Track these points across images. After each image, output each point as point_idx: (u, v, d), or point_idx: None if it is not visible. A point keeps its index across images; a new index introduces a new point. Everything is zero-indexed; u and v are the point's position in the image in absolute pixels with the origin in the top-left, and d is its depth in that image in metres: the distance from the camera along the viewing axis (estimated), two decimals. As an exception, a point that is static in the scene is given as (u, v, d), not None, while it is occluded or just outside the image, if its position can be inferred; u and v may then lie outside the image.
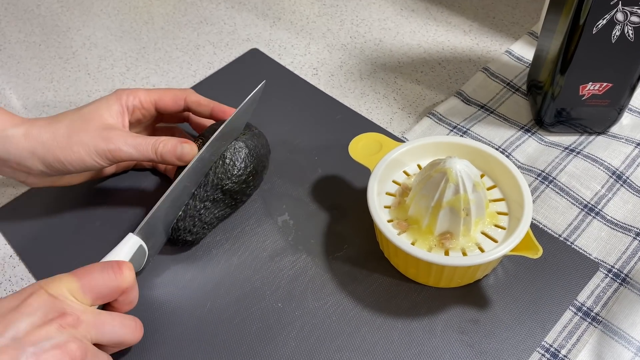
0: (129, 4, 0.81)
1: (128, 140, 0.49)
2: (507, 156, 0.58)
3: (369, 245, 0.52)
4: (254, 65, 0.70)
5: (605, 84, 0.55)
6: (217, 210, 0.51)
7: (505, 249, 0.44)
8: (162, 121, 0.58)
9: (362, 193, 0.48)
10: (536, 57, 0.62)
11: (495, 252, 0.44)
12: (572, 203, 0.54)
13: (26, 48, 0.75)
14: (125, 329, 0.41)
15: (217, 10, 0.79)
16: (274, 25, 0.76)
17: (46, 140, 0.48)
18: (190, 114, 0.57)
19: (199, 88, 0.67)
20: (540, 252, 0.43)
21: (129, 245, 0.45)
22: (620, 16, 0.49)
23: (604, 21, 0.50)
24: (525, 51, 0.69)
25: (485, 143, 0.60)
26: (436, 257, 0.44)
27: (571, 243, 0.52)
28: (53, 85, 0.70)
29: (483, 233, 0.47)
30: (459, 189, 0.44)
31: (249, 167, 0.51)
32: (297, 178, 0.57)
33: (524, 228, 0.45)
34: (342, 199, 0.55)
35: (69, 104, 0.67)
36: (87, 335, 0.39)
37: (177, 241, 0.50)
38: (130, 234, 0.45)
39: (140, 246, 0.46)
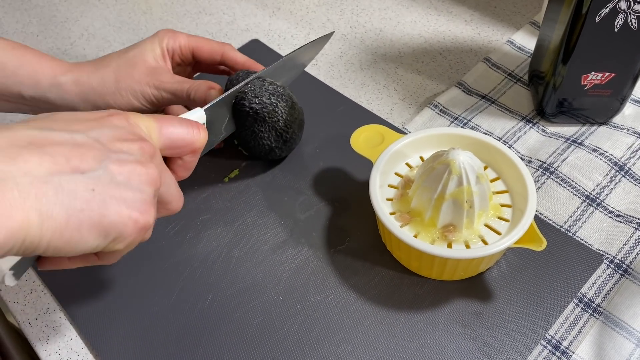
0: (127, -6, 0.80)
1: (174, 85, 0.50)
2: (508, 147, 0.58)
3: (371, 238, 0.51)
4: (253, 56, 0.69)
5: (607, 73, 0.54)
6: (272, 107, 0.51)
7: (508, 241, 0.43)
8: (200, 71, 0.59)
9: (364, 185, 0.48)
10: (538, 47, 0.61)
11: (498, 245, 0.43)
12: (573, 194, 0.54)
13: (24, 39, 0.74)
14: (175, 195, 0.40)
15: (215, 1, 0.78)
16: (273, 15, 0.75)
17: (96, 86, 0.50)
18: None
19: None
20: (544, 244, 0.43)
21: (197, 116, 0.45)
22: (623, 4, 0.49)
23: (607, 10, 0.49)
24: (527, 41, 0.69)
25: (487, 134, 0.59)
26: (439, 249, 0.44)
27: (573, 234, 0.52)
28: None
29: (486, 225, 0.47)
30: (462, 180, 0.44)
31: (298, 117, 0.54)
32: (299, 171, 0.57)
33: (527, 220, 0.44)
34: (344, 192, 0.55)
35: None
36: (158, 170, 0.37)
37: (241, 107, 0.50)
38: (199, 108, 0.46)
39: (203, 124, 0.46)
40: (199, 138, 0.41)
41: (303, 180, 0.56)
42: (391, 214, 0.48)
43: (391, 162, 0.50)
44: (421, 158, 0.52)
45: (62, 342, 0.47)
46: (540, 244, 0.43)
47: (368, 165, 0.50)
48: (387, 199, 0.49)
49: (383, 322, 0.46)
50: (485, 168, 0.51)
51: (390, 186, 0.50)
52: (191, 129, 0.40)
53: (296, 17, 0.75)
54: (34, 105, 0.51)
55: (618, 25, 0.50)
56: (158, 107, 0.52)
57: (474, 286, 0.48)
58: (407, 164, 0.52)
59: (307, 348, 0.45)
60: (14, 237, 0.28)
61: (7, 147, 0.30)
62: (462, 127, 0.60)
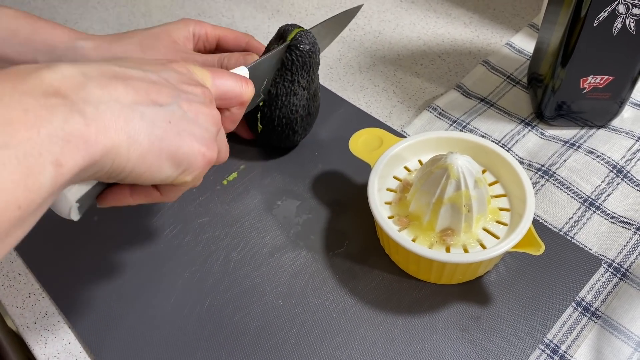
0: (126, -4, 0.80)
1: (196, 58, 0.51)
2: (507, 151, 0.58)
3: (370, 241, 0.51)
4: (252, 59, 0.69)
5: (606, 77, 0.54)
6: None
7: (506, 245, 0.43)
8: None
9: (363, 189, 0.48)
10: (537, 49, 0.61)
11: (496, 249, 0.43)
12: (572, 197, 0.54)
13: (22, 41, 0.74)
14: (224, 144, 0.42)
15: (215, 3, 0.78)
16: (272, 17, 0.75)
17: (118, 53, 0.49)
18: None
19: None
20: (543, 248, 0.43)
21: (243, 73, 0.47)
22: (621, 8, 0.49)
23: (605, 14, 0.49)
24: (526, 43, 0.69)
25: (485, 137, 0.59)
26: (437, 254, 0.44)
27: (571, 238, 0.51)
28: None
29: (485, 229, 0.47)
30: (460, 185, 0.44)
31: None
32: (298, 174, 0.57)
33: (525, 224, 0.44)
34: (342, 195, 0.55)
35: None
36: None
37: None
38: (243, 67, 0.47)
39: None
40: (247, 90, 0.43)
41: (301, 184, 0.56)
42: (389, 217, 0.48)
43: (390, 165, 0.50)
44: (420, 162, 0.52)
45: (60, 346, 0.47)
46: (539, 248, 0.43)
47: (367, 168, 0.50)
48: (386, 203, 0.49)
49: (381, 326, 0.46)
50: (483, 172, 0.51)
51: (389, 190, 0.50)
52: (240, 82, 0.42)
53: (295, 19, 0.75)
54: None
55: (617, 29, 0.50)
56: None
57: (473, 290, 0.48)
58: (405, 168, 0.52)
59: (305, 352, 0.45)
60: (107, 156, 0.30)
61: (98, 76, 0.31)
62: (460, 130, 0.60)
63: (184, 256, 0.51)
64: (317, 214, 0.54)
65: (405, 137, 0.59)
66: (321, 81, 0.67)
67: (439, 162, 0.44)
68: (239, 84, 0.42)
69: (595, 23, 0.50)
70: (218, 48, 0.57)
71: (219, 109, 0.42)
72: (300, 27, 0.52)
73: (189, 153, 0.35)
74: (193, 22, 0.54)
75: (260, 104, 0.54)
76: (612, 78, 0.54)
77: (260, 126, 0.55)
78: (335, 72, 0.68)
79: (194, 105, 0.36)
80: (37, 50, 0.50)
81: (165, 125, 0.34)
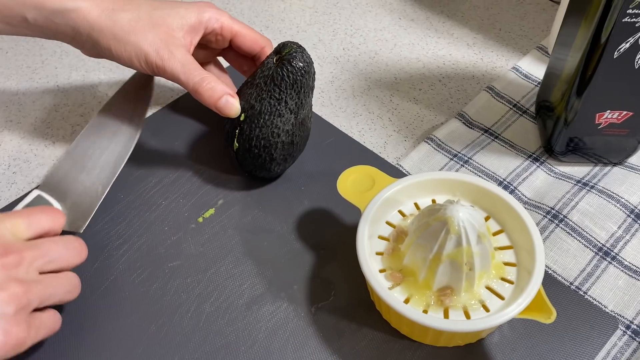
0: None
1: (180, 65, 0.47)
2: (512, 190, 0.52)
3: (359, 293, 0.46)
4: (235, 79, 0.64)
5: (625, 112, 0.49)
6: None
7: (512, 311, 0.38)
8: (222, 55, 0.57)
9: (353, 231, 0.43)
10: (547, 75, 0.56)
11: (500, 316, 0.38)
12: (585, 245, 0.48)
13: (-10, 55, 0.69)
14: (70, 250, 0.41)
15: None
16: (261, 33, 0.70)
17: (104, 27, 0.47)
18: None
19: (181, 100, 0.61)
20: (554, 316, 0.37)
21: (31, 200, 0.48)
22: (645, 40, 0.44)
23: (627, 45, 0.44)
24: (534, 68, 0.63)
25: (489, 174, 0.54)
26: (433, 319, 0.38)
27: (584, 293, 0.46)
28: (18, 99, 0.64)
29: (488, 288, 0.41)
30: (461, 240, 0.38)
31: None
32: (281, 211, 0.52)
33: (534, 287, 0.39)
34: (330, 237, 0.50)
35: (34, 119, 0.61)
36: (32, 269, 0.38)
37: None
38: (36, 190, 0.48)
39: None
40: (59, 223, 0.43)
41: (285, 223, 0.51)
42: (381, 271, 0.43)
43: (382, 209, 0.45)
44: (416, 205, 0.46)
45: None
46: (549, 315, 0.38)
47: (358, 207, 0.44)
48: (377, 253, 0.44)
49: (369, 396, 0.41)
50: (486, 218, 0.45)
51: (381, 238, 0.45)
52: (51, 216, 0.42)
53: (285, 36, 0.70)
54: (39, 31, 0.49)
55: (639, 62, 0.45)
56: (157, 75, 0.50)
57: (473, 353, 0.43)
58: (400, 212, 0.46)
59: None
60: None
61: None
62: (462, 165, 0.55)
63: (151, 307, 0.46)
64: (301, 259, 0.48)
65: (401, 171, 0.54)
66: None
67: (438, 213, 0.39)
68: (50, 219, 0.42)
69: (616, 55, 0.44)
70: (232, 45, 0.53)
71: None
72: (300, 46, 0.47)
73: None
74: (210, 10, 0.50)
75: (242, 117, 0.48)
76: (631, 114, 0.49)
77: (237, 144, 0.50)
78: (326, 95, 0.63)
79: None
80: (25, 5, 0.47)
81: None
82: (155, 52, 0.47)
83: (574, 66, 0.48)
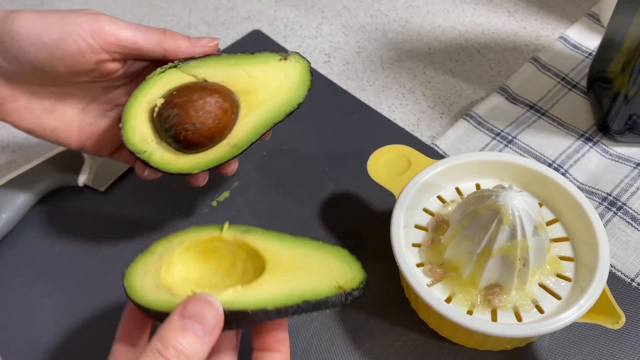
0: (113, -27, 0.69)
1: (133, 25, 0.38)
2: (562, 174, 0.47)
3: (392, 287, 0.41)
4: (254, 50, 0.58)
5: (696, 85, 0.43)
6: None
7: (573, 315, 0.33)
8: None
9: (385, 217, 0.38)
10: (604, 45, 0.50)
11: (559, 320, 0.33)
12: (647, 236, 0.43)
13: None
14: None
15: (214, -18, 0.67)
16: (279, 1, 0.64)
17: (31, 21, 0.35)
18: None
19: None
20: (622, 321, 0.32)
21: None
22: None
23: None
24: (584, 37, 0.57)
25: (536, 155, 0.48)
26: (480, 322, 0.33)
27: (647, 290, 0.41)
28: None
29: (541, 285, 0.36)
30: (515, 233, 0.33)
31: None
32: (303, 195, 0.47)
33: (598, 285, 0.34)
34: (358, 224, 0.45)
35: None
36: None
37: None
38: None
39: None
40: None
41: (308, 208, 0.46)
42: (418, 265, 0.37)
43: (419, 195, 0.39)
44: (457, 190, 0.41)
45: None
46: (617, 319, 0.33)
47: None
48: (414, 245, 0.38)
49: (404, 407, 0.36)
50: (539, 205, 0.40)
51: (417, 227, 0.39)
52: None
53: (306, 3, 0.64)
54: None
55: None
56: (117, 53, 0.37)
57: (522, 358, 0.38)
58: (439, 197, 0.41)
59: None
60: None
61: None
62: (505, 145, 0.49)
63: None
64: (326, 248, 0.43)
65: (437, 152, 0.48)
66: (335, 79, 0.56)
67: (488, 200, 0.34)
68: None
69: (694, 17, 0.38)
70: (136, 56, 0.39)
71: None
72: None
73: None
74: (91, 23, 0.36)
75: None
76: None
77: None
78: (352, 68, 0.57)
79: None
80: None
81: None
82: (105, 23, 0.37)
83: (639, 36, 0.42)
